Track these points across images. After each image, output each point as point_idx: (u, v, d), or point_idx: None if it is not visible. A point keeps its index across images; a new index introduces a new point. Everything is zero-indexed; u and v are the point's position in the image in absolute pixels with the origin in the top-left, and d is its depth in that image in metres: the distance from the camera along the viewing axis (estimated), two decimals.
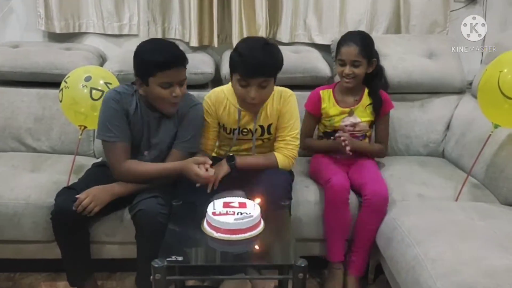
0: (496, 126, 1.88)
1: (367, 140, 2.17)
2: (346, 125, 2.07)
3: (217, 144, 2.08)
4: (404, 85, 2.43)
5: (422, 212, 1.77)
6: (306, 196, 1.99)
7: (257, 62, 1.72)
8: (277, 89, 1.94)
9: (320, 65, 2.49)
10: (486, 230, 1.61)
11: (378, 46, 2.47)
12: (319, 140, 2.21)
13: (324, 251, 2.00)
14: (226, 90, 1.95)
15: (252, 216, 1.50)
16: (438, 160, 2.42)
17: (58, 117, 2.33)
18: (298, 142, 1.94)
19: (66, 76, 2.03)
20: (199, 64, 2.44)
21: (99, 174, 1.90)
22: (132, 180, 1.78)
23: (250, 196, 1.83)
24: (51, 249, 1.87)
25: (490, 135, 1.91)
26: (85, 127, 2.04)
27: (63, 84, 2.00)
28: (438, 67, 2.48)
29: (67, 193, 1.73)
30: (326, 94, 2.14)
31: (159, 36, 2.63)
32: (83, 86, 1.94)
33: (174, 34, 2.67)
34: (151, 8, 2.59)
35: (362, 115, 2.11)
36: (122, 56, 2.48)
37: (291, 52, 2.54)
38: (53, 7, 2.58)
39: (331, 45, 2.62)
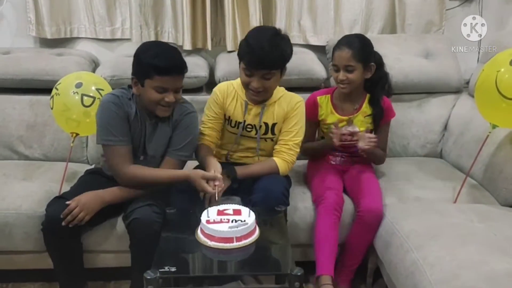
0: (494, 127, 1.85)
1: None
2: (343, 134, 2.02)
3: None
4: (401, 86, 2.40)
5: (420, 216, 1.74)
6: (303, 201, 1.96)
7: (262, 54, 1.71)
8: (289, 93, 1.95)
9: (315, 67, 2.46)
10: (485, 233, 1.59)
11: (374, 46, 2.45)
12: (314, 142, 2.17)
13: None
14: (235, 84, 1.95)
15: (247, 223, 1.47)
16: (436, 161, 2.40)
17: (51, 124, 2.29)
18: (299, 149, 1.93)
19: (57, 83, 2.00)
20: (192, 67, 2.40)
21: (92, 181, 1.87)
22: (137, 185, 1.75)
23: (246, 202, 1.81)
24: (44, 259, 1.83)
25: (488, 135, 1.88)
26: (77, 134, 2.01)
27: (54, 91, 1.97)
28: (434, 66, 2.46)
29: (58, 203, 1.69)
30: (323, 101, 2.08)
31: (152, 40, 2.58)
32: (74, 93, 1.91)
33: (167, 37, 2.63)
34: (143, 12, 2.55)
35: (361, 124, 2.04)
36: (114, 61, 2.45)
37: None
38: (43, 12, 2.55)
39: (326, 46, 2.60)
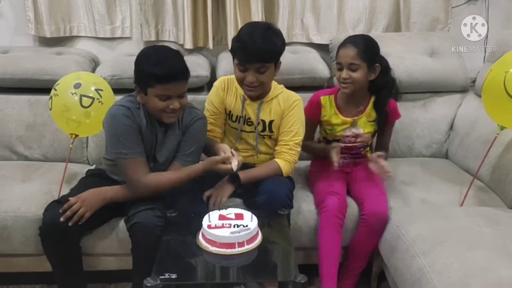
0: (502, 128, 1.81)
1: (368, 149, 2.09)
2: (347, 136, 1.98)
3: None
4: (405, 85, 2.36)
5: (426, 220, 1.71)
6: (306, 204, 1.92)
7: (254, 48, 1.72)
8: (286, 91, 1.94)
9: (318, 66, 2.42)
10: (493, 238, 1.56)
11: (378, 44, 2.41)
12: (315, 143, 2.12)
13: None
14: (234, 78, 1.92)
15: (249, 228, 1.45)
16: (441, 162, 2.36)
17: (50, 124, 2.25)
18: (300, 148, 1.91)
19: (56, 83, 1.97)
20: (194, 67, 2.36)
21: (93, 185, 1.82)
22: (155, 193, 1.72)
23: (250, 205, 1.79)
24: (43, 262, 1.79)
25: (496, 137, 1.84)
26: (77, 135, 1.97)
27: (52, 92, 1.94)
28: (440, 65, 2.42)
29: (57, 208, 1.65)
30: (327, 101, 2.03)
31: (153, 38, 2.56)
32: (72, 94, 1.88)
33: (168, 36, 2.60)
34: (144, 10, 2.51)
35: (365, 127, 2.00)
36: (114, 61, 2.41)
37: (288, 52, 2.44)
38: (42, 10, 2.52)
39: (330, 45, 2.56)
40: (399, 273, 1.61)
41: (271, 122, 1.90)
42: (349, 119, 1.99)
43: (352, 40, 1.91)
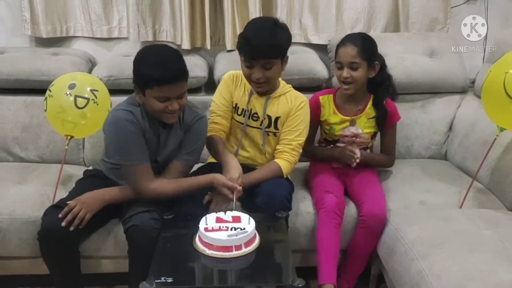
0: (501, 129, 1.80)
1: (368, 151, 2.08)
2: (346, 135, 1.97)
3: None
4: (404, 85, 2.34)
5: (425, 222, 1.69)
6: (305, 207, 1.91)
7: (259, 44, 1.71)
8: (294, 91, 1.94)
9: (317, 66, 2.41)
10: (493, 241, 1.54)
11: (377, 45, 2.39)
12: (321, 148, 2.11)
13: None
14: (242, 73, 1.93)
15: (246, 231, 1.43)
16: (440, 163, 2.35)
17: (46, 125, 2.23)
18: (301, 150, 1.90)
19: (51, 84, 1.95)
20: (191, 67, 2.30)
21: (92, 186, 1.79)
22: (163, 199, 1.71)
23: (249, 206, 1.78)
24: (39, 265, 1.78)
25: (496, 138, 1.83)
26: (72, 137, 1.95)
27: (47, 93, 1.92)
28: (439, 66, 2.40)
29: (55, 212, 1.63)
30: (326, 100, 2.03)
31: (150, 39, 2.54)
32: (67, 94, 1.86)
33: (165, 36, 2.59)
34: (141, 10, 2.50)
35: (364, 126, 2.00)
36: (111, 61, 2.40)
37: None
38: (39, 11, 2.50)
39: (328, 45, 2.55)
40: (397, 276, 1.59)
41: (277, 118, 1.89)
42: (348, 118, 1.99)
43: (351, 39, 1.91)
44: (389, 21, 2.64)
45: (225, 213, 1.54)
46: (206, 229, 1.44)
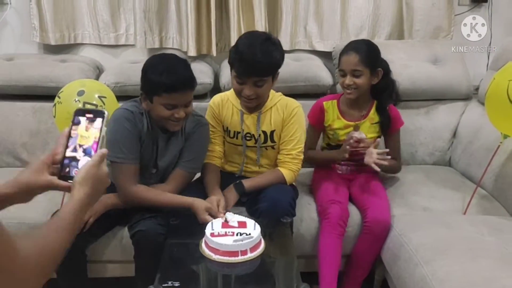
0: (505, 137, 1.81)
1: None
2: (349, 138, 1.98)
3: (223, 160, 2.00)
4: (408, 92, 2.36)
5: (429, 228, 1.70)
6: (309, 213, 1.92)
7: (252, 61, 1.67)
8: (284, 98, 1.90)
9: (321, 73, 2.43)
10: (496, 247, 1.55)
11: (381, 52, 2.40)
12: (321, 151, 2.13)
13: None
14: (229, 94, 1.93)
15: (252, 236, 1.44)
16: (444, 169, 2.36)
17: (54, 131, 2.26)
18: (302, 156, 1.89)
19: (60, 91, 1.97)
20: (197, 74, 2.29)
21: None
22: (138, 205, 1.71)
23: (253, 212, 1.79)
24: None
25: (500, 145, 1.84)
26: None
27: (56, 99, 1.95)
28: (443, 73, 2.42)
29: None
30: (330, 106, 2.04)
31: (156, 46, 2.58)
32: (76, 101, 1.89)
33: (171, 43, 2.61)
34: (148, 18, 2.53)
35: (368, 131, 2.00)
36: (118, 68, 2.42)
37: (291, 60, 2.48)
38: (47, 18, 2.53)
39: (333, 52, 2.56)
40: (401, 282, 1.60)
41: (272, 132, 1.87)
42: (351, 123, 2.00)
43: (354, 46, 1.92)
44: (394, 29, 2.66)
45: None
46: (212, 234, 1.45)
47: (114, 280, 2.00)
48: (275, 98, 1.89)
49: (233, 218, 1.56)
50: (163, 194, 1.74)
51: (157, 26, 2.57)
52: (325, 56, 2.64)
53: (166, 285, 1.30)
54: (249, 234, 1.45)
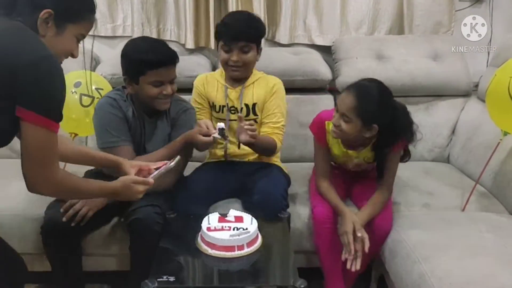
0: (505, 133, 1.80)
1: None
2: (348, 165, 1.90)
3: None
4: (408, 88, 2.35)
5: (428, 225, 1.70)
6: (306, 208, 1.89)
7: (238, 27, 1.82)
8: (266, 76, 1.99)
9: (320, 68, 2.41)
10: (495, 244, 1.55)
11: (381, 47, 2.39)
12: (333, 195, 1.81)
13: None
14: (214, 73, 2.07)
15: (249, 231, 1.43)
16: (443, 166, 2.35)
17: None
18: (283, 132, 1.92)
19: None
20: (195, 67, 2.36)
21: None
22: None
23: (247, 204, 1.79)
24: (41, 262, 1.80)
25: (499, 142, 1.82)
26: (76, 134, 1.96)
27: None
28: (443, 69, 2.40)
29: (58, 206, 1.66)
30: (331, 127, 1.76)
31: (154, 37, 2.54)
32: (72, 92, 1.87)
33: (169, 35, 2.59)
34: (145, 9, 2.51)
35: (366, 155, 1.81)
36: (115, 59, 2.35)
37: (290, 53, 2.47)
38: None
39: (332, 46, 2.55)
40: (399, 278, 1.59)
41: (254, 105, 1.93)
42: (350, 152, 1.81)
43: (358, 88, 1.66)
44: (394, 24, 2.64)
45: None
46: (208, 229, 1.44)
47: (109, 274, 1.98)
48: (257, 75, 1.97)
49: (223, 126, 1.63)
50: (159, 151, 1.73)
51: (154, 17, 2.55)
52: (325, 50, 2.62)
53: (161, 279, 1.29)
54: (246, 228, 1.45)
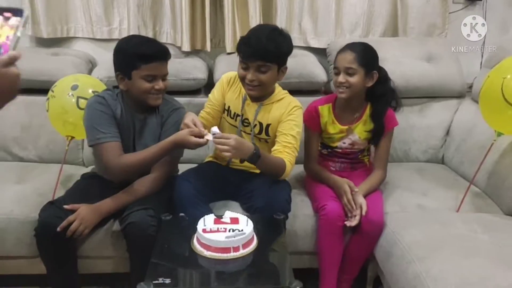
0: (499, 134, 1.81)
1: (365, 154, 2.07)
2: (344, 143, 1.96)
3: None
4: (402, 90, 2.34)
5: (422, 225, 1.70)
6: (302, 209, 1.91)
7: (256, 45, 1.70)
8: (289, 97, 1.90)
9: (316, 70, 2.42)
10: (490, 245, 1.56)
11: (376, 49, 2.39)
12: (325, 172, 1.99)
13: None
14: None
15: (244, 233, 1.43)
16: (437, 167, 2.36)
17: (46, 125, 2.22)
18: (295, 154, 1.81)
19: (54, 85, 1.96)
20: (191, 69, 2.37)
21: (88, 188, 1.84)
22: (133, 173, 1.74)
23: (246, 209, 1.79)
24: (36, 264, 1.79)
25: (493, 143, 1.84)
26: (73, 137, 1.96)
27: (50, 94, 1.94)
28: (437, 70, 2.42)
29: (52, 209, 1.67)
30: (325, 110, 1.98)
31: None
32: (70, 95, 1.88)
33: (165, 38, 2.60)
34: (142, 12, 2.52)
35: (361, 132, 1.97)
36: (111, 62, 2.37)
37: None
38: (40, 11, 2.51)
39: (327, 49, 2.56)
40: (395, 279, 1.60)
41: (268, 125, 1.86)
42: (345, 127, 1.97)
43: (350, 46, 1.89)
44: (388, 26, 2.66)
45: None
46: (204, 230, 1.44)
47: (105, 276, 1.99)
48: (280, 95, 1.88)
49: (218, 131, 1.59)
50: (148, 149, 1.72)
51: (151, 20, 2.55)
52: (320, 52, 2.63)
53: (156, 282, 1.29)
54: (242, 230, 1.44)
